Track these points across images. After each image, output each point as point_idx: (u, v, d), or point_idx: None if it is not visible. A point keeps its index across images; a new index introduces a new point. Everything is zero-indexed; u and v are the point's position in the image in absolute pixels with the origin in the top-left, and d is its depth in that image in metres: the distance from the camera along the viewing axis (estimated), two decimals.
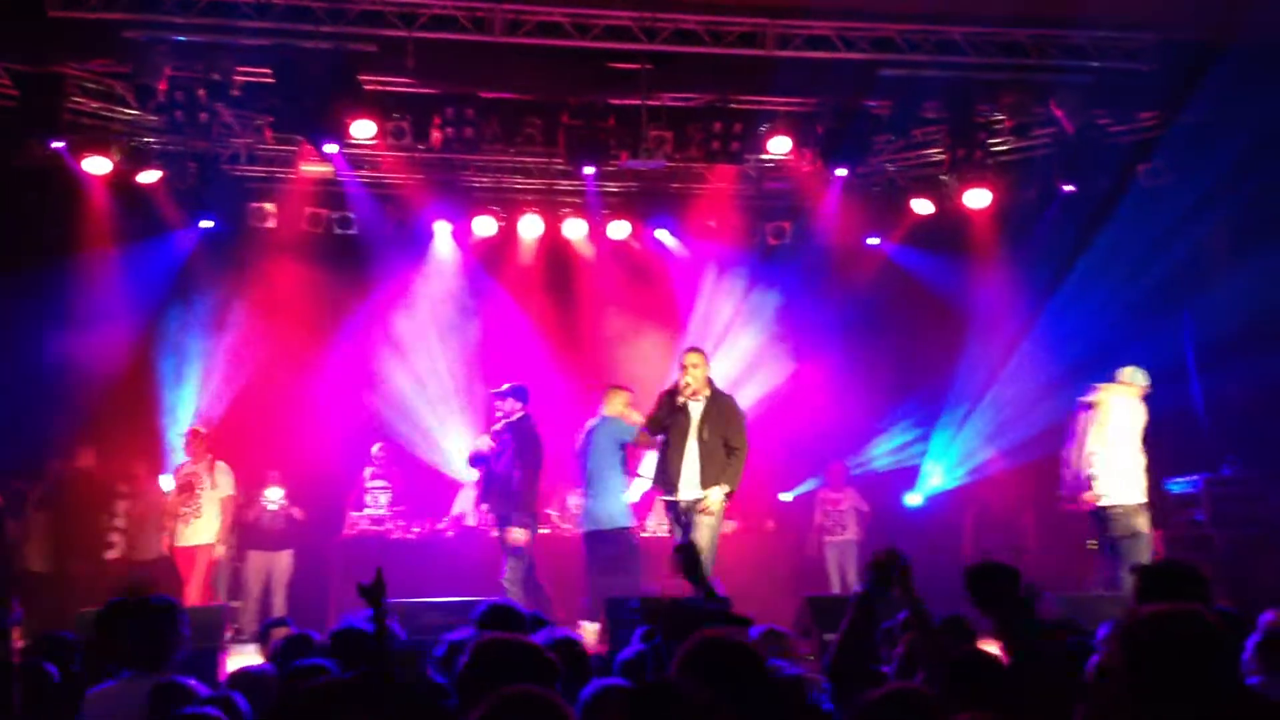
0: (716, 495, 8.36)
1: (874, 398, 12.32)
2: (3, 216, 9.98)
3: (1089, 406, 8.83)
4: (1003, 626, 3.89)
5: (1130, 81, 9.99)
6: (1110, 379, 8.84)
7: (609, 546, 9.17)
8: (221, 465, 10.40)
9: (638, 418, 9.24)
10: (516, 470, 9.40)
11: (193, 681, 4.38)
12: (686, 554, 5.86)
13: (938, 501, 12.10)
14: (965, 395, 11.89)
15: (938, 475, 12.10)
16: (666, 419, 8.55)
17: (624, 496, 9.42)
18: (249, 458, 11.03)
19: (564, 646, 4.01)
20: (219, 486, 10.33)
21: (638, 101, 10.40)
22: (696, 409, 8.50)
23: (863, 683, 3.73)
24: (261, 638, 6.50)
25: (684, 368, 8.55)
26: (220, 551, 10.32)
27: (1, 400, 10.00)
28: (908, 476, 12.23)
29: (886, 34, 9.72)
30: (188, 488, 10.30)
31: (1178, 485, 10.52)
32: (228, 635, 7.90)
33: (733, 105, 10.65)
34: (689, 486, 8.44)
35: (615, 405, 9.52)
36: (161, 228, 11.52)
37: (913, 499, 12.19)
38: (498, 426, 9.68)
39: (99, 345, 11.01)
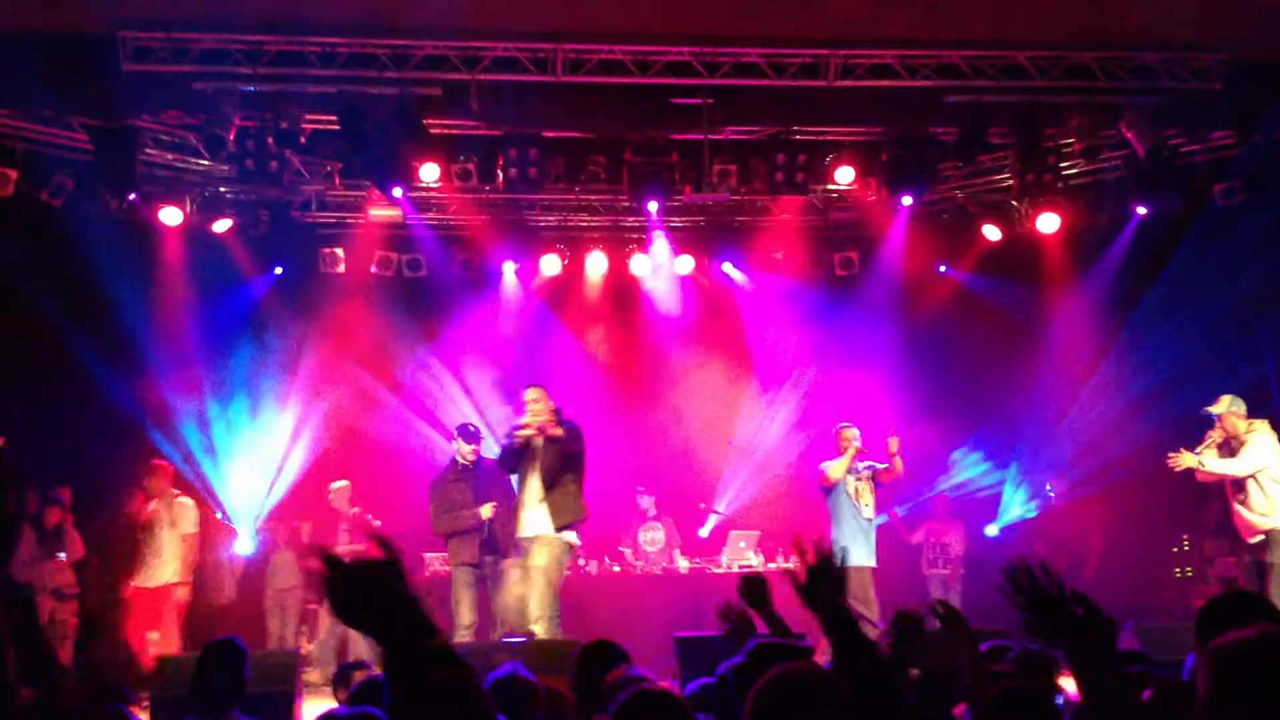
0: (566, 538, 8.43)
1: (947, 427, 12.14)
2: (79, 268, 10.16)
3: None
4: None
5: (1201, 101, 9.83)
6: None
7: None
8: (184, 501, 10.12)
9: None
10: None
11: None
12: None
13: (1016, 531, 11.87)
14: (1041, 423, 11.67)
15: (1015, 505, 11.87)
16: (516, 458, 8.51)
17: None
18: (324, 500, 11.12)
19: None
20: (178, 525, 9.99)
21: (700, 136, 10.41)
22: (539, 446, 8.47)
23: None
24: (339, 681, 6.49)
25: (524, 404, 8.52)
26: (182, 594, 10.00)
27: (77, 441, 10.18)
28: (987, 506, 12.02)
29: (950, 60, 9.64)
30: (148, 526, 9.97)
31: None
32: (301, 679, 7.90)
33: (796, 136, 10.61)
34: (531, 523, 8.47)
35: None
36: (235, 275, 11.71)
37: (991, 529, 11.98)
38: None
39: (176, 390, 11.20)
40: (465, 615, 9.12)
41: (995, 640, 5.36)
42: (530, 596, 8.45)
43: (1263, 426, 8.51)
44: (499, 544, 9.32)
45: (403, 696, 1.96)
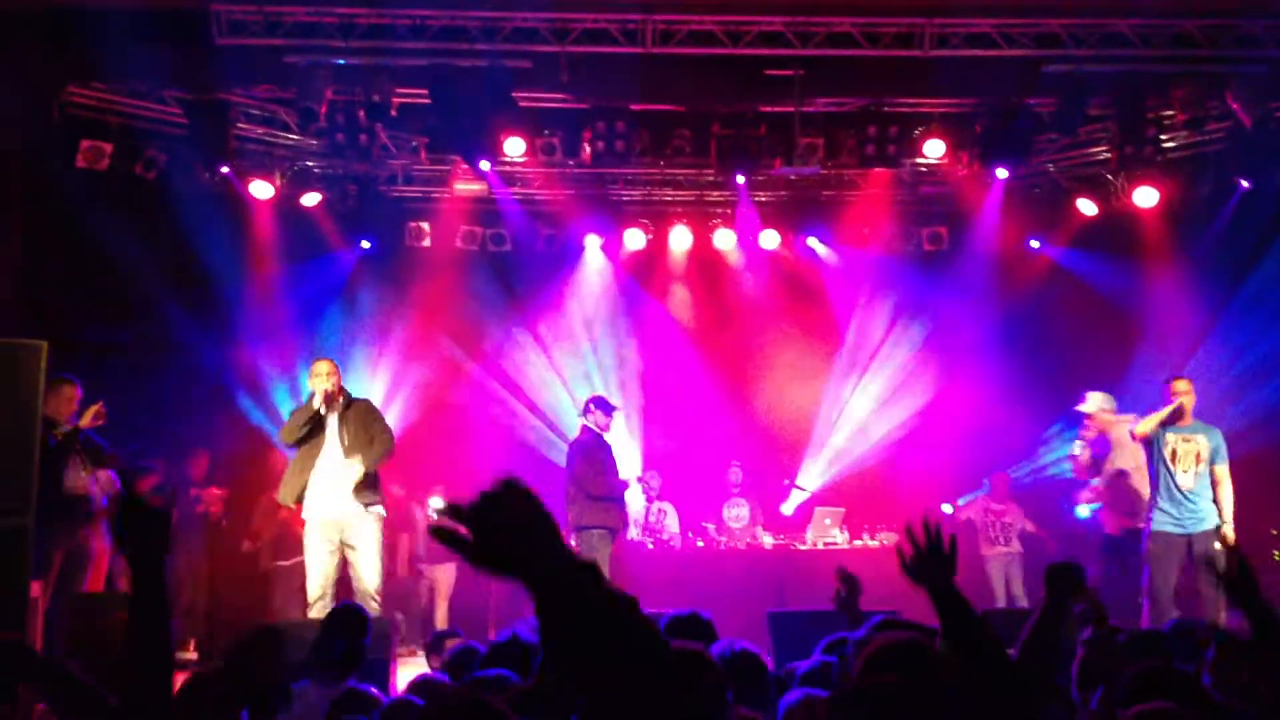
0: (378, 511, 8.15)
1: (1040, 406, 11.88)
2: (174, 239, 10.30)
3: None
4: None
5: None
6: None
7: None
8: None
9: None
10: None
11: (373, 689, 4.40)
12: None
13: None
14: (1140, 402, 11.38)
15: None
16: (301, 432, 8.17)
17: None
18: (413, 472, 11.21)
19: (744, 658, 3.89)
20: None
21: (789, 108, 10.26)
22: (333, 420, 8.19)
23: (1043, 698, 3.53)
24: (433, 648, 6.53)
25: (313, 376, 8.22)
26: None
27: (174, 410, 10.33)
28: (1078, 486, 11.77)
29: (1049, 29, 9.37)
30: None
31: None
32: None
33: (887, 109, 10.42)
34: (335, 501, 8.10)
35: None
36: (323, 248, 11.81)
37: (1082, 510, 11.72)
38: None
39: (267, 360, 11.34)
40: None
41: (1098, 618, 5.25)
42: None
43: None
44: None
45: (571, 633, 1.71)
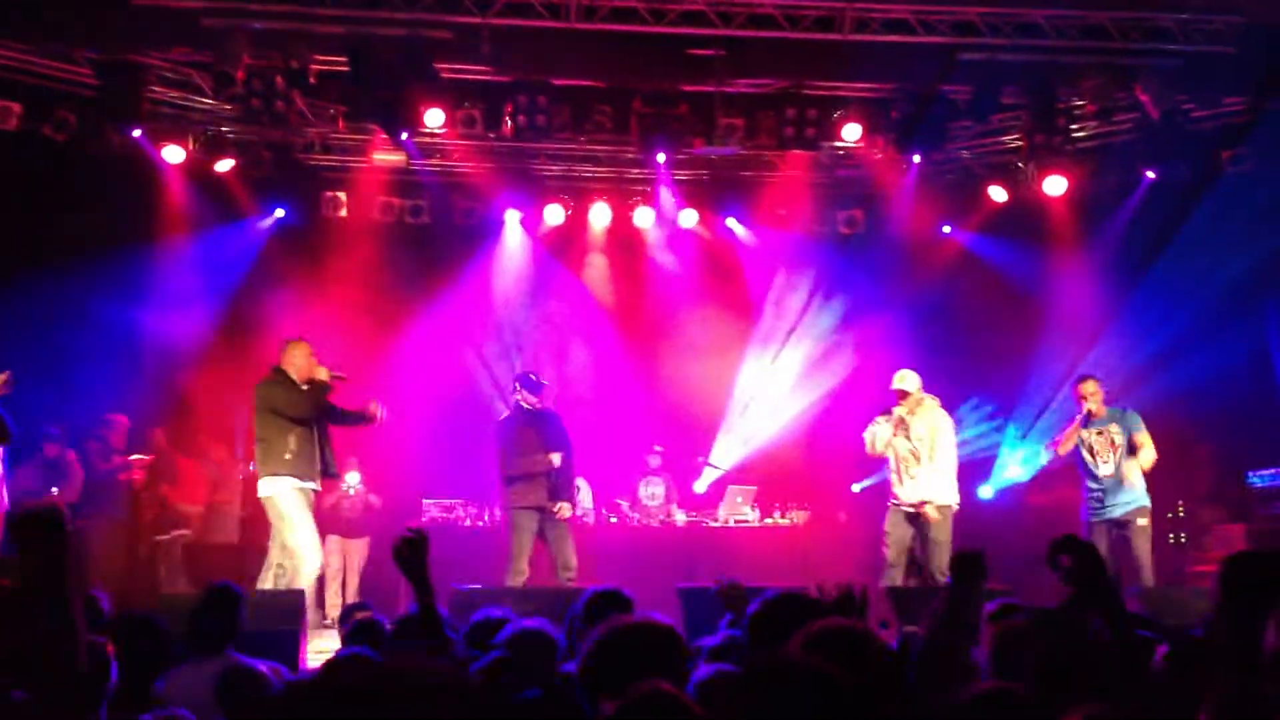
0: None
1: (948, 389, 12.04)
2: (84, 203, 10.08)
3: None
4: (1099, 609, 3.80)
5: (1217, 66, 9.73)
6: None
7: None
8: None
9: None
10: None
11: (267, 665, 4.41)
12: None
13: (1011, 494, 11.90)
14: (1042, 387, 11.67)
15: (1012, 468, 11.89)
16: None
17: None
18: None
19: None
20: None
21: (711, 88, 10.32)
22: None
23: (952, 677, 3.63)
24: (342, 619, 6.52)
25: (312, 358, 8.58)
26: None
27: (84, 375, 10.14)
28: (983, 468, 12.03)
29: (966, 17, 9.55)
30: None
31: (1262, 479, 10.31)
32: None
33: (806, 91, 10.52)
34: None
35: None
36: (237, 215, 11.63)
37: (985, 491, 12.00)
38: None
39: (178, 327, 11.16)
40: (523, 562, 9.14)
41: (1001, 600, 5.39)
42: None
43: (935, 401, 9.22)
44: (560, 491, 9.37)
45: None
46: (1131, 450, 8.91)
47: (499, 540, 10.60)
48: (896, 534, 9.14)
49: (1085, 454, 9.02)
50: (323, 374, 8.45)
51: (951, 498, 9.11)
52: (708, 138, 10.62)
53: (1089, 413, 8.94)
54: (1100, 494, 8.91)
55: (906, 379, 9.19)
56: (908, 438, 9.14)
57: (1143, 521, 8.78)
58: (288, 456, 8.14)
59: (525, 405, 9.55)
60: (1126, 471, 8.85)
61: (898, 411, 9.18)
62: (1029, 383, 11.83)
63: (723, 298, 12.97)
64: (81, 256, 10.15)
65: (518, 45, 9.62)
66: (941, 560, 8.73)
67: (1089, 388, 8.96)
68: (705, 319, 12.95)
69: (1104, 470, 8.90)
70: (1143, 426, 8.96)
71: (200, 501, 11.23)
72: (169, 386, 11.18)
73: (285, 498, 8.11)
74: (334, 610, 10.22)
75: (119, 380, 10.52)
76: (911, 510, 9.08)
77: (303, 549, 8.06)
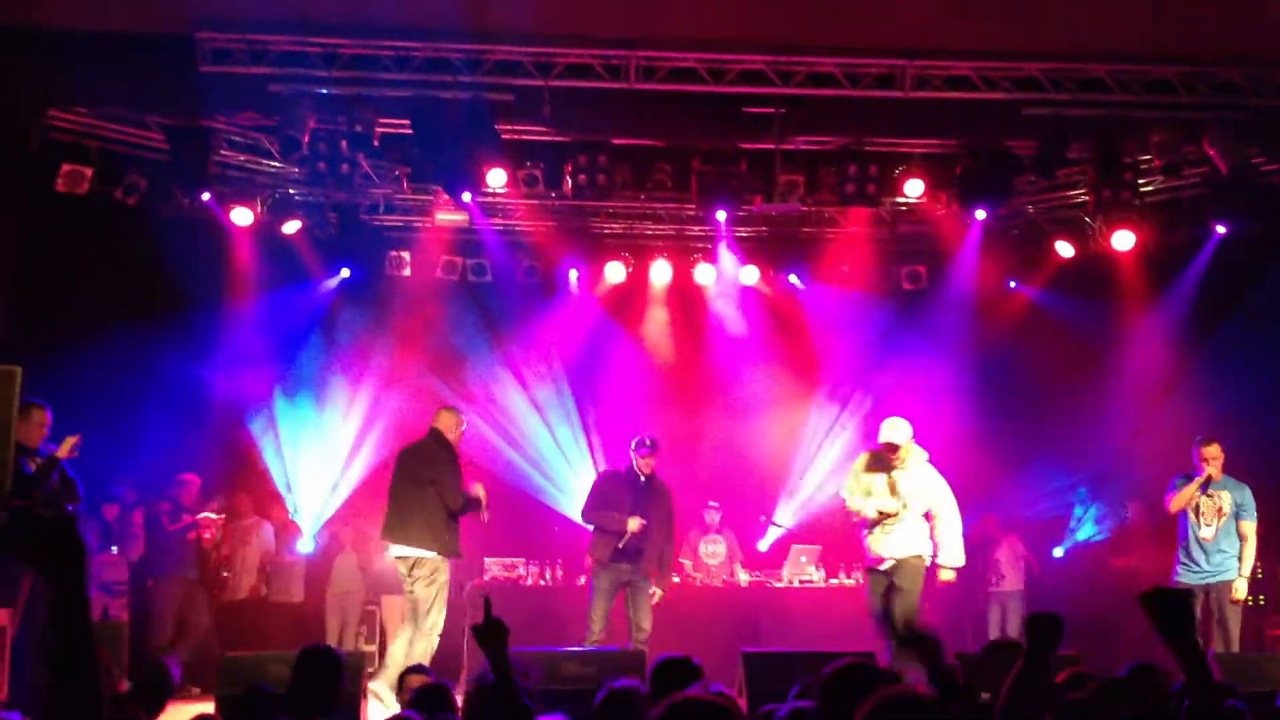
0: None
1: (1017, 445, 11.93)
2: (154, 265, 10.27)
3: None
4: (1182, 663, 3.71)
5: None
6: None
7: None
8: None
9: None
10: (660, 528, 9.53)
11: None
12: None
13: (1083, 554, 11.65)
14: (1113, 444, 11.44)
15: (1085, 526, 11.64)
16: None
17: None
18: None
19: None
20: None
21: (770, 145, 10.32)
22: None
23: None
24: (400, 685, 6.48)
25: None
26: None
27: (153, 434, 10.27)
28: (1055, 527, 11.80)
29: (1029, 73, 9.47)
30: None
31: None
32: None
33: (868, 148, 10.48)
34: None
35: None
36: (303, 276, 11.80)
37: (1057, 551, 11.76)
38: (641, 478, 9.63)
39: (245, 386, 11.30)
40: (597, 621, 9.25)
41: (1071, 668, 5.23)
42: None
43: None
44: (637, 557, 9.38)
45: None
46: (1235, 519, 8.75)
47: (561, 599, 10.57)
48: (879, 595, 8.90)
49: (1190, 514, 8.84)
50: (479, 491, 8.68)
51: (927, 550, 8.86)
52: (768, 195, 10.61)
53: (1209, 477, 8.75)
54: (1198, 557, 8.75)
55: (898, 429, 8.88)
56: (894, 492, 8.84)
57: (1234, 595, 8.65)
58: (448, 537, 8.42)
59: (637, 470, 9.60)
60: (1227, 539, 8.72)
61: (894, 474, 8.88)
62: (1099, 440, 11.60)
63: (784, 355, 12.89)
64: (151, 318, 10.34)
65: (578, 106, 9.70)
66: (909, 609, 8.47)
67: (1212, 450, 8.78)
68: (767, 376, 12.88)
69: (1205, 533, 8.76)
70: (1253, 513, 8.79)
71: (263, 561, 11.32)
72: (233, 446, 11.29)
73: (441, 573, 8.39)
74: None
75: (187, 439, 10.66)
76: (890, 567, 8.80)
77: (438, 626, 8.30)
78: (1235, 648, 8.52)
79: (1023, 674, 3.76)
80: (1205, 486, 8.75)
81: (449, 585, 8.55)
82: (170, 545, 10.36)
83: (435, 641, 8.30)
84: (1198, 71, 9.52)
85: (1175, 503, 8.88)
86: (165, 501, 10.44)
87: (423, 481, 8.46)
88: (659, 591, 9.53)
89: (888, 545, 8.81)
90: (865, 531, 8.96)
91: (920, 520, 8.83)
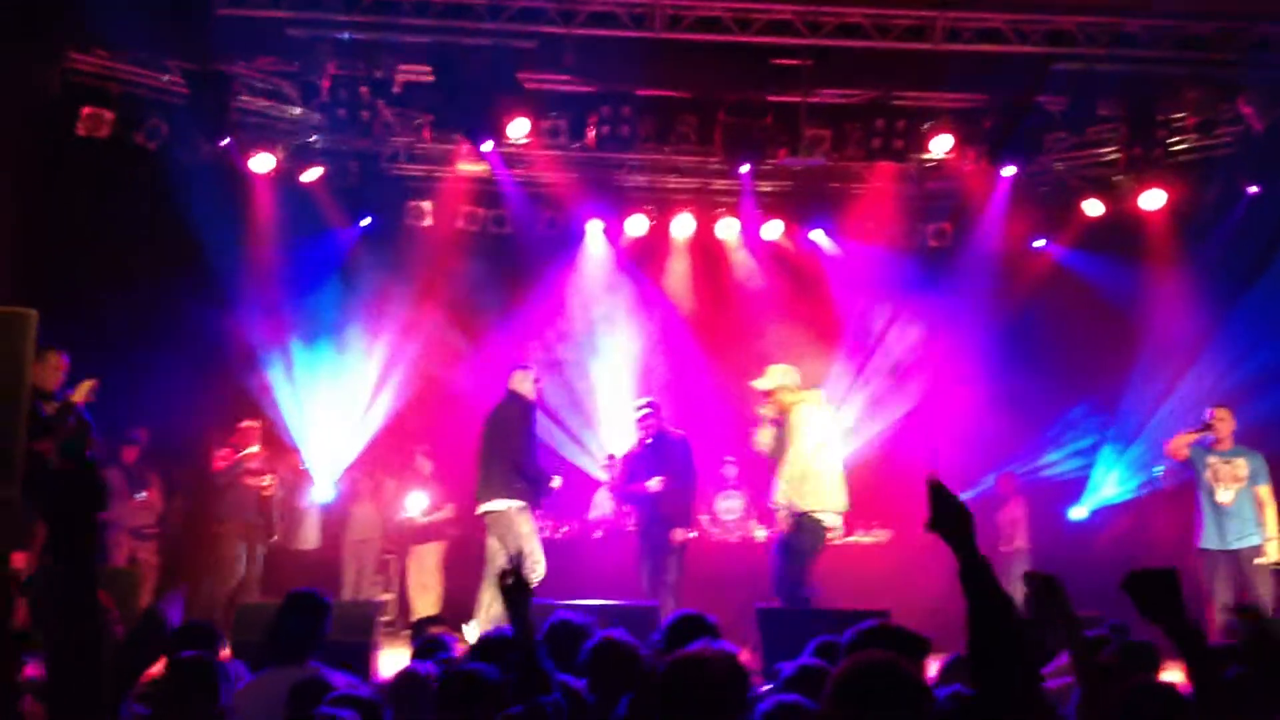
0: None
1: (1040, 406, 11.81)
2: (174, 210, 10.21)
3: None
4: (1174, 642, 3.62)
5: None
6: None
7: None
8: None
9: None
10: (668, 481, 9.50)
11: (343, 676, 4.32)
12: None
13: (1106, 514, 11.55)
14: (1138, 406, 11.31)
15: (1107, 488, 11.53)
16: None
17: None
18: (404, 452, 11.13)
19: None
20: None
21: (796, 99, 10.16)
22: None
23: (1024, 713, 3.47)
24: (414, 633, 6.47)
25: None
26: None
27: (169, 379, 10.26)
28: (1075, 488, 11.70)
29: (1062, 26, 9.29)
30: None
31: None
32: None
33: (895, 102, 10.31)
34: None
35: None
36: (323, 224, 11.73)
37: (1078, 511, 11.66)
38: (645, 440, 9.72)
39: (262, 334, 11.27)
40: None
41: (1091, 630, 5.16)
42: None
43: (813, 398, 8.47)
44: (667, 515, 9.46)
45: None
46: (1253, 486, 8.61)
47: (576, 552, 10.56)
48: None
49: (1208, 478, 8.66)
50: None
51: (812, 503, 8.24)
52: (793, 149, 10.46)
53: (1208, 427, 8.67)
54: (1218, 521, 8.60)
55: (767, 375, 8.54)
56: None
57: (1261, 560, 8.50)
58: (519, 485, 8.56)
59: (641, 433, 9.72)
60: (1247, 504, 8.57)
61: (763, 411, 8.53)
62: (1124, 402, 11.47)
63: (806, 311, 12.77)
64: (170, 263, 10.30)
65: (602, 55, 9.55)
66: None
67: (1220, 413, 8.72)
68: (788, 332, 12.74)
69: (1223, 497, 8.58)
70: (1267, 477, 8.65)
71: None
72: (249, 392, 11.25)
73: (518, 523, 8.50)
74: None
75: (203, 385, 10.64)
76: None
77: (536, 572, 8.32)
78: (1270, 613, 8.42)
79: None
80: (1207, 443, 8.66)
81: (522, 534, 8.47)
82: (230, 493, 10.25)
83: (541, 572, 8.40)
84: (1234, 28, 9.31)
85: (1172, 446, 8.89)
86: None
87: (494, 439, 8.65)
88: (680, 531, 9.53)
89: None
90: None
91: (800, 467, 8.24)
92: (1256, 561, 8.49)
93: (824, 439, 8.39)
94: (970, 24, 9.27)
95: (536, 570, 8.29)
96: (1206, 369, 10.73)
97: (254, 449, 10.31)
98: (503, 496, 8.50)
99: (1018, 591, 9.71)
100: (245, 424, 10.47)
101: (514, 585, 3.74)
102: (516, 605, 3.73)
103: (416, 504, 11.01)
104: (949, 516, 2.90)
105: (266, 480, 10.27)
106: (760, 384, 8.53)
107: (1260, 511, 8.56)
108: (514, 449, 8.58)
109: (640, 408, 9.87)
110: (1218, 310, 10.98)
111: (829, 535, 8.36)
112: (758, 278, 12.81)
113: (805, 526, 8.23)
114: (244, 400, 11.07)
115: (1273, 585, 8.52)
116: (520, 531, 8.42)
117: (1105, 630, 5.38)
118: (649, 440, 9.73)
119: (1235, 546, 8.54)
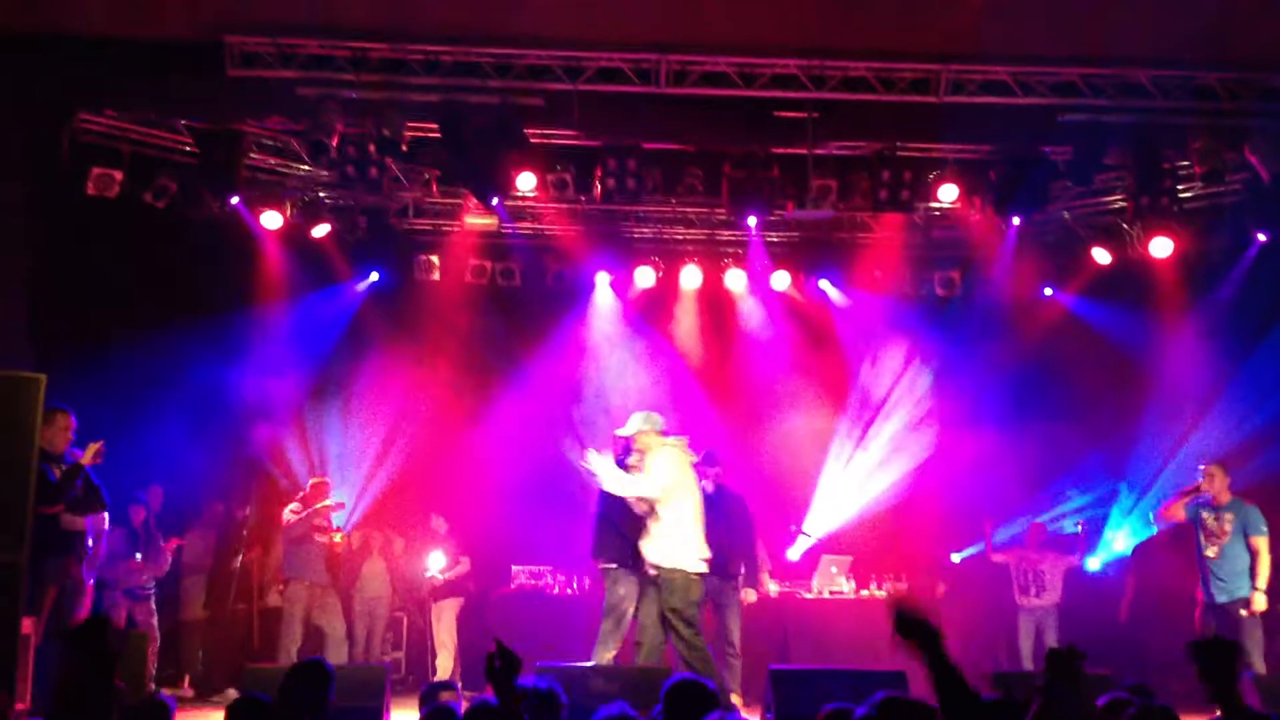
0: None
1: (1051, 456, 11.75)
2: (183, 268, 10.25)
3: None
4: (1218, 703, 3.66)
5: None
6: None
7: None
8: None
9: None
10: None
11: None
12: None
13: (1119, 567, 11.45)
14: (1150, 455, 11.24)
15: (1120, 539, 11.44)
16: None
17: None
18: (416, 507, 11.09)
19: None
20: None
21: (802, 150, 10.18)
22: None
23: None
24: (424, 699, 6.39)
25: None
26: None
27: (175, 438, 10.24)
28: (1089, 539, 11.60)
29: (1067, 78, 9.29)
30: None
31: None
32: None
33: (901, 153, 10.32)
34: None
35: None
36: (332, 280, 11.76)
37: (1093, 563, 11.56)
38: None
39: (273, 391, 11.27)
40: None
41: (1112, 693, 5.09)
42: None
43: (675, 443, 8.23)
44: (722, 572, 9.03)
45: None
46: (1244, 540, 8.75)
47: (586, 609, 10.47)
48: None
49: (1200, 535, 8.92)
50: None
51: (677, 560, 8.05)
52: (799, 200, 10.47)
53: (1198, 487, 8.91)
54: (1205, 577, 8.85)
55: (628, 422, 8.34)
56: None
57: (1244, 612, 8.66)
58: (614, 548, 8.53)
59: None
60: (1231, 560, 8.73)
61: (631, 461, 8.36)
62: (1135, 452, 11.40)
63: (815, 361, 12.77)
64: (179, 322, 10.32)
65: (608, 110, 9.59)
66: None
67: (1212, 469, 8.95)
68: (798, 382, 12.75)
69: (1208, 553, 8.85)
70: (1262, 528, 8.75)
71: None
72: (258, 451, 11.25)
73: (619, 584, 8.52)
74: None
75: (212, 445, 10.63)
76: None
77: (618, 632, 8.47)
78: (1260, 665, 8.42)
79: (1040, 713, 3.68)
80: (1199, 501, 8.88)
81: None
82: (301, 550, 10.13)
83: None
84: (1242, 77, 9.31)
85: (1166, 511, 9.19)
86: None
87: (602, 498, 8.50)
88: (751, 592, 9.67)
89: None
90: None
91: (674, 523, 8.08)
92: (1242, 612, 8.61)
93: (678, 483, 8.17)
94: (974, 76, 9.29)
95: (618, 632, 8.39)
96: (1217, 419, 10.68)
97: (328, 502, 10.28)
98: (604, 559, 8.55)
99: (1037, 643, 9.60)
100: (315, 479, 10.48)
101: (503, 666, 3.77)
102: (501, 683, 3.78)
103: (436, 563, 10.91)
104: (914, 631, 3.20)
105: (338, 538, 10.28)
106: (622, 431, 8.44)
107: (1254, 562, 8.69)
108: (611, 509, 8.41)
109: (705, 456, 9.31)
110: (1229, 358, 10.95)
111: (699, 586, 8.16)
112: (766, 328, 12.79)
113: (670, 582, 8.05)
114: (253, 459, 11.06)
115: (1260, 635, 8.54)
116: (618, 593, 8.45)
117: (1124, 693, 5.30)
118: (710, 491, 9.19)
119: (1221, 601, 8.71)
